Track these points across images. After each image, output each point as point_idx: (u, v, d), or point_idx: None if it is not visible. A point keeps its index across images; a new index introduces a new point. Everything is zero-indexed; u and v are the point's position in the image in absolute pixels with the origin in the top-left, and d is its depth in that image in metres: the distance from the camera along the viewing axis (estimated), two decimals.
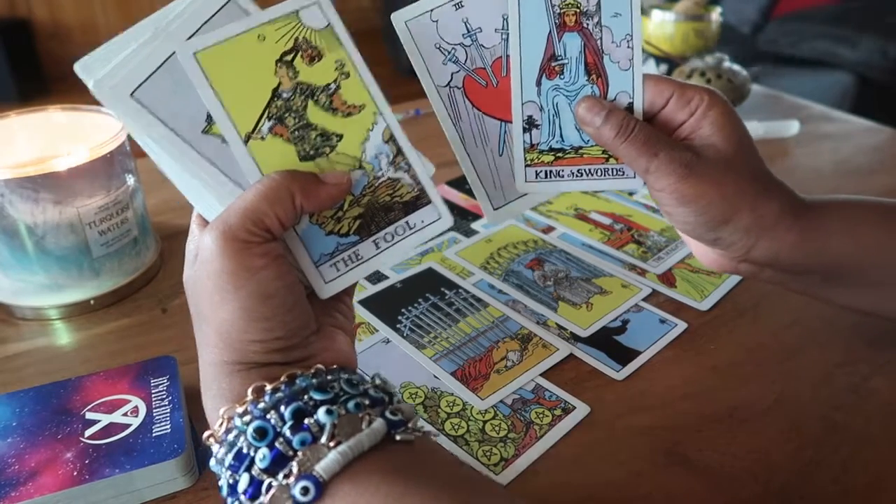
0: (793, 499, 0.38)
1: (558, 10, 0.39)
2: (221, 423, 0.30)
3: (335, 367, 0.32)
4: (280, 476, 0.27)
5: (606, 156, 0.40)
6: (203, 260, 0.30)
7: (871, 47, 1.90)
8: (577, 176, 0.41)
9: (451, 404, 0.45)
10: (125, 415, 0.41)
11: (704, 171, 0.38)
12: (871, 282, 0.42)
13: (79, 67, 0.32)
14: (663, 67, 1.04)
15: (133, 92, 0.31)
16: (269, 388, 0.29)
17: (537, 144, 0.40)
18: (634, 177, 0.41)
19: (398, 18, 0.37)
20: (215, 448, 0.30)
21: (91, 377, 0.44)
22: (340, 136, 0.34)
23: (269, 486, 0.27)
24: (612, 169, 0.41)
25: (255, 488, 0.28)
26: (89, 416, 0.41)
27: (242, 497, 0.28)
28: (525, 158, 0.40)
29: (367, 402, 0.30)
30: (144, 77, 0.31)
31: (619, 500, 0.39)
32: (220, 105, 0.32)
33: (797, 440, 0.42)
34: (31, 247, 0.52)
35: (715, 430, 0.43)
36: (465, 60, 0.39)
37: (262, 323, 0.30)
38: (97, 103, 0.33)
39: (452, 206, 0.70)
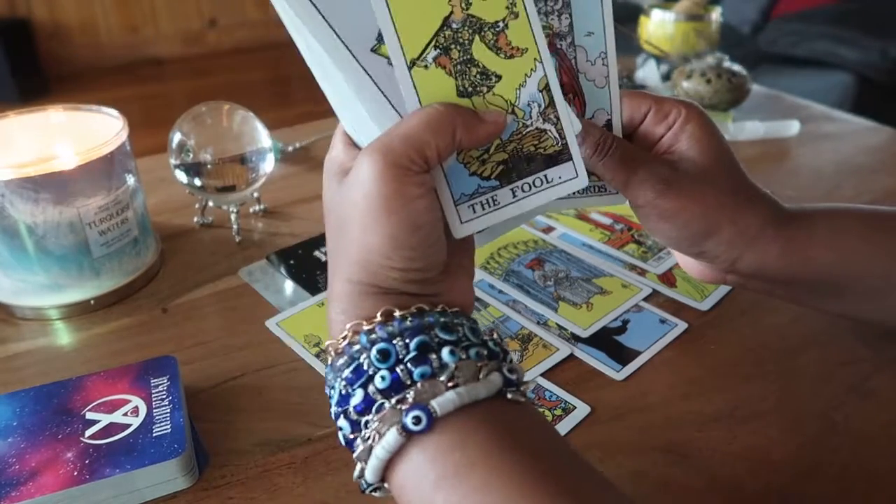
0: (793, 499, 0.38)
1: None
2: (346, 336, 0.30)
3: (458, 310, 0.32)
4: (394, 400, 0.28)
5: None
6: (357, 181, 0.30)
7: (871, 47, 1.91)
8: (571, 194, 0.39)
9: None
10: (125, 415, 0.41)
11: (683, 186, 0.38)
12: (857, 291, 0.42)
13: None
14: (663, 67, 1.04)
15: None
16: (398, 314, 0.30)
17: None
18: (617, 193, 0.41)
19: None
20: (332, 357, 0.31)
21: (91, 377, 0.44)
22: (499, 78, 0.33)
23: (381, 407, 0.28)
24: (595, 186, 0.41)
25: (366, 405, 0.28)
26: (90, 416, 0.41)
27: (352, 409, 0.28)
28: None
29: (485, 352, 0.30)
30: None
31: None
32: (392, 26, 0.31)
33: (797, 440, 0.42)
34: (31, 247, 0.52)
35: (715, 430, 0.43)
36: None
37: (407, 251, 0.30)
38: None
39: None
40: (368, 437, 0.28)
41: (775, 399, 0.45)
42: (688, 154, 0.39)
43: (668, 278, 0.57)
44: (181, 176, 0.63)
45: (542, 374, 0.47)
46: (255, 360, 0.49)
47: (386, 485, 0.29)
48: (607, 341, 0.50)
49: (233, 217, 0.64)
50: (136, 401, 0.42)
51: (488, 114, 0.32)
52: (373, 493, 0.30)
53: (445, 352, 0.29)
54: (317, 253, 0.62)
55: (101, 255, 0.55)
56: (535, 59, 0.34)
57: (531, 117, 0.35)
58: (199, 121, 0.62)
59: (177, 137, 0.62)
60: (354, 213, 0.30)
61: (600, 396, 0.45)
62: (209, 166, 0.62)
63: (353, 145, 0.34)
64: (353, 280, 0.31)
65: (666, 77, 1.04)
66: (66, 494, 0.37)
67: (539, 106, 0.35)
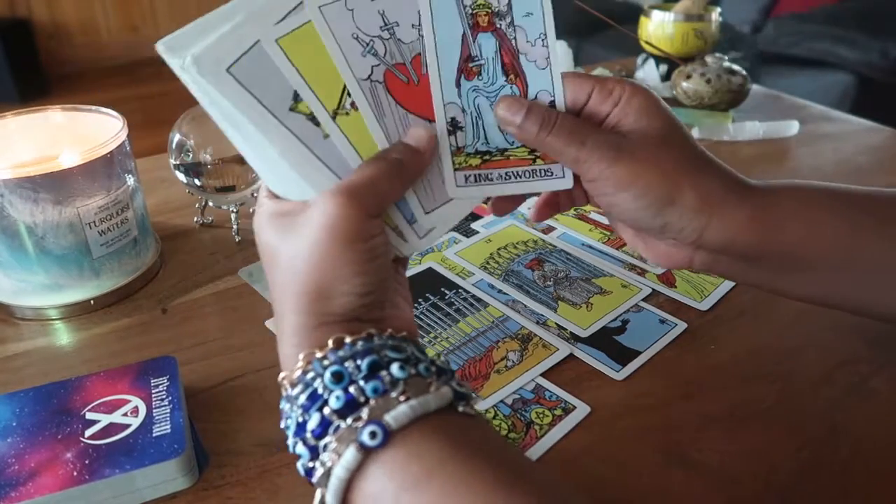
0: (793, 499, 0.38)
1: (470, 11, 0.38)
2: (299, 366, 0.31)
3: (405, 334, 0.33)
4: (349, 419, 0.28)
5: (533, 157, 0.40)
6: (319, 218, 0.32)
7: (871, 47, 1.91)
8: (505, 179, 0.39)
9: None
10: (125, 415, 0.41)
11: (636, 151, 0.37)
12: (825, 267, 0.40)
13: (162, 47, 0.32)
14: (663, 68, 1.04)
15: (229, 67, 0.32)
16: (349, 339, 0.31)
17: (463, 147, 0.39)
18: (563, 176, 0.40)
19: (312, 4, 0.35)
20: (287, 389, 0.32)
21: (91, 377, 0.44)
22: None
23: (337, 428, 0.29)
24: (540, 170, 0.40)
25: (323, 428, 0.29)
26: (89, 416, 0.41)
27: (309, 435, 0.29)
28: (453, 162, 0.39)
29: (434, 368, 0.31)
30: (239, 54, 0.32)
31: (619, 499, 0.39)
32: (306, 85, 0.34)
33: (797, 440, 0.42)
34: (31, 247, 0.52)
35: (715, 430, 0.43)
36: (385, 54, 0.37)
37: (364, 278, 0.33)
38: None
39: None
40: (327, 460, 0.28)
41: (775, 399, 0.45)
42: (637, 126, 0.38)
43: (667, 278, 0.57)
44: (181, 176, 0.63)
45: (542, 374, 0.47)
46: (255, 361, 0.49)
47: None
48: (607, 341, 0.50)
49: (232, 217, 0.64)
50: (136, 401, 0.42)
51: (416, 141, 0.36)
52: None
53: (395, 367, 0.30)
54: None
55: (101, 256, 0.55)
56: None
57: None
58: (198, 121, 0.62)
59: (176, 137, 0.62)
60: (313, 248, 0.32)
61: (600, 396, 0.45)
62: (209, 166, 0.62)
63: (279, 199, 0.36)
64: (306, 312, 0.32)
65: (666, 77, 1.04)
66: (66, 495, 0.37)
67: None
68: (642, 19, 1.06)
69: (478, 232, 0.65)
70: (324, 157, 0.34)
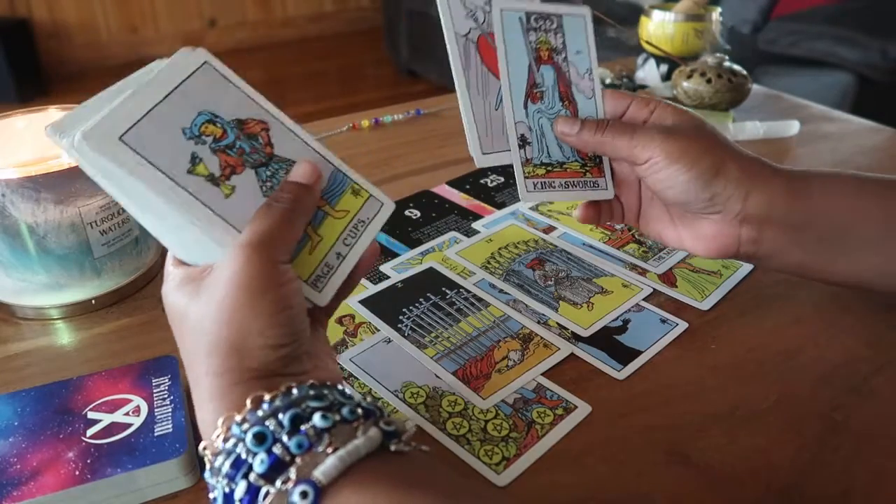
0: (793, 499, 0.39)
1: (534, 46, 0.46)
2: (219, 434, 0.30)
3: (328, 382, 0.33)
4: (278, 482, 0.27)
5: (584, 171, 0.47)
6: (229, 273, 0.32)
7: (871, 47, 1.91)
8: (564, 187, 0.47)
9: (452, 404, 0.45)
10: (127, 414, 0.41)
11: (682, 131, 0.43)
12: (859, 241, 0.43)
13: (51, 130, 0.33)
14: (664, 68, 1.04)
15: (122, 136, 0.32)
16: (267, 397, 0.30)
17: (531, 159, 0.46)
18: (607, 188, 0.48)
19: None
20: (210, 459, 0.30)
21: (92, 377, 0.44)
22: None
23: (266, 494, 0.27)
24: (589, 182, 0.48)
25: (251, 496, 0.28)
26: (91, 415, 0.41)
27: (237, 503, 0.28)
28: (524, 171, 0.45)
29: (360, 411, 0.30)
30: (131, 123, 0.33)
31: (619, 499, 0.39)
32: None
33: (798, 440, 0.42)
34: (32, 246, 0.52)
35: (716, 430, 0.43)
36: (483, 22, 0.45)
37: (279, 329, 0.32)
38: None
39: (453, 207, 0.70)
40: None
41: (775, 399, 0.45)
42: (674, 121, 0.45)
43: (668, 278, 0.57)
44: None
45: (543, 374, 0.47)
46: None
47: None
48: (608, 341, 0.50)
49: None
50: (138, 400, 0.42)
51: (303, 177, 0.36)
52: None
53: (317, 417, 0.29)
54: None
55: (103, 255, 0.55)
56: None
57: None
58: None
59: None
60: (222, 303, 0.31)
61: (601, 396, 0.45)
62: None
63: (187, 265, 0.36)
64: (220, 372, 0.31)
65: (666, 77, 1.04)
66: (68, 494, 0.37)
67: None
68: (642, 19, 1.06)
69: (479, 231, 0.65)
70: (227, 217, 0.34)
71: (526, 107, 0.46)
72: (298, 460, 0.28)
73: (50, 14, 3.23)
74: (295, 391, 0.31)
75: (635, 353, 0.49)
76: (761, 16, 2.26)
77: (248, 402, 0.30)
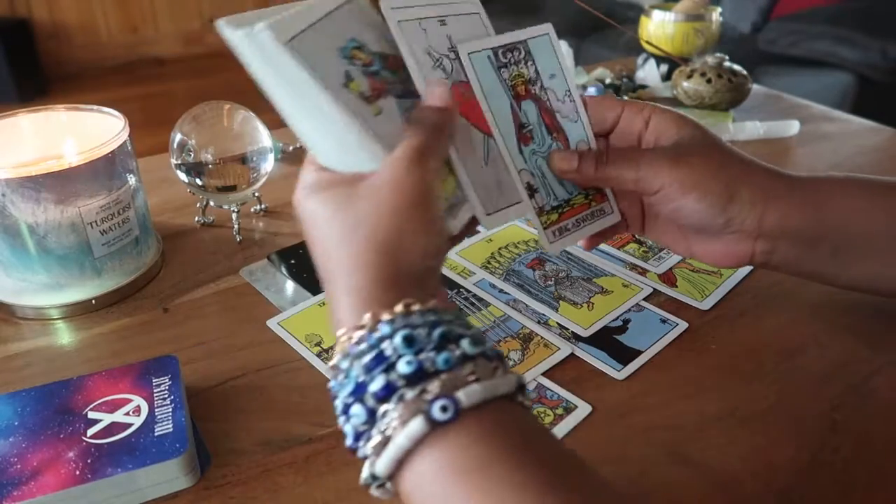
0: (793, 499, 0.39)
1: (510, 83, 0.42)
2: (365, 324, 0.30)
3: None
4: (417, 389, 0.28)
5: (588, 201, 0.45)
6: (387, 185, 0.33)
7: (871, 47, 1.91)
8: (577, 225, 0.44)
9: None
10: (127, 414, 0.41)
11: (690, 152, 0.41)
12: (871, 249, 0.43)
13: (223, 22, 0.34)
14: (664, 68, 1.04)
15: (289, 41, 0.33)
16: (418, 307, 0.30)
17: (544, 206, 0.43)
18: (613, 212, 0.46)
19: (392, 17, 0.38)
20: (346, 346, 0.30)
21: (93, 377, 0.44)
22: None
23: (402, 396, 0.27)
24: (596, 211, 0.45)
25: (387, 392, 0.28)
26: (91, 415, 0.41)
27: (370, 395, 0.28)
28: (541, 222, 0.43)
29: (494, 354, 0.30)
30: (299, 30, 0.34)
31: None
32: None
33: (797, 440, 0.42)
34: (32, 246, 0.52)
35: (716, 430, 0.43)
36: (452, 72, 0.40)
37: (434, 238, 0.33)
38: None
39: None
40: (387, 428, 0.27)
41: (775, 399, 0.45)
42: (678, 137, 0.42)
43: (668, 278, 0.58)
44: (182, 176, 0.63)
45: (543, 374, 0.47)
46: (256, 360, 0.49)
47: (388, 484, 0.29)
48: (608, 341, 0.50)
49: (234, 217, 0.64)
50: (138, 400, 0.42)
51: (439, 100, 0.37)
52: (376, 492, 0.30)
53: (466, 343, 0.29)
54: None
55: (103, 255, 0.55)
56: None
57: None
58: (199, 121, 0.62)
59: (178, 137, 0.62)
60: (381, 208, 0.32)
61: (601, 396, 0.45)
62: (210, 166, 0.62)
63: (329, 171, 0.37)
64: (373, 267, 0.32)
65: (666, 77, 1.04)
66: (68, 494, 0.37)
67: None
68: (642, 19, 1.06)
69: (479, 231, 0.65)
70: (378, 133, 0.35)
71: (521, 152, 0.42)
72: (443, 375, 0.28)
73: (50, 14, 3.23)
74: (442, 313, 0.31)
75: (635, 353, 0.49)
76: (761, 16, 2.26)
77: (400, 306, 0.30)
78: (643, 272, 0.58)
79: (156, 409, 0.41)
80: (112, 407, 0.42)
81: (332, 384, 0.30)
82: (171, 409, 0.41)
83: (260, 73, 0.35)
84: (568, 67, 0.45)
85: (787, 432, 0.43)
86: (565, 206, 0.44)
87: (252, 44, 0.33)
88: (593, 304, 0.54)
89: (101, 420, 0.41)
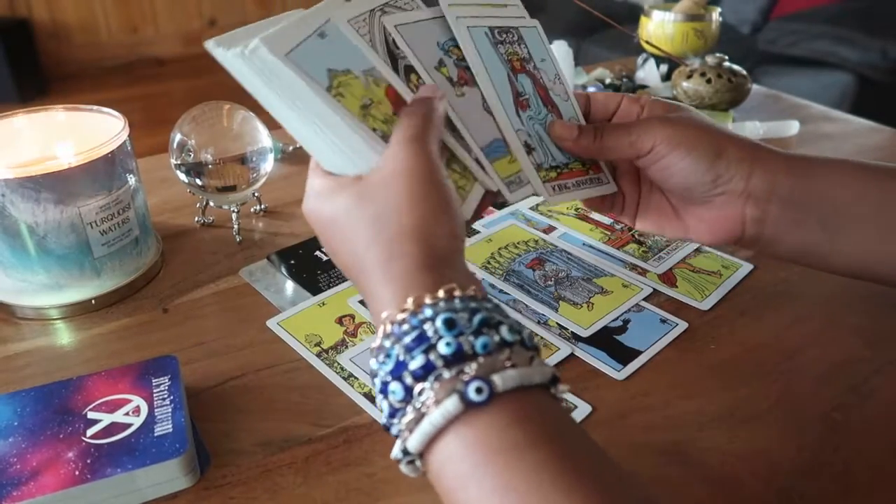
0: (793, 498, 0.39)
1: (506, 58, 0.46)
2: (409, 307, 0.31)
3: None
4: (454, 370, 0.28)
5: (585, 168, 0.47)
6: (400, 172, 0.34)
7: (871, 47, 1.91)
8: (577, 186, 0.46)
9: None
10: (127, 414, 0.41)
11: (679, 117, 0.44)
12: (861, 220, 0.43)
13: (213, 43, 0.34)
14: (664, 68, 1.04)
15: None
16: (459, 293, 0.31)
17: (542, 164, 0.45)
18: (609, 182, 0.48)
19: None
20: (388, 327, 0.31)
21: (92, 377, 0.44)
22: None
23: (439, 376, 0.28)
24: (592, 178, 0.47)
25: (425, 371, 0.29)
26: (91, 415, 0.41)
27: (408, 373, 0.29)
28: (540, 178, 0.44)
29: (530, 344, 0.31)
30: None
31: None
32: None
33: (798, 440, 0.42)
34: (32, 246, 0.52)
35: (715, 430, 0.43)
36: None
37: (455, 217, 0.34)
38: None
39: None
40: (421, 406, 0.28)
41: (775, 399, 0.45)
42: (669, 111, 0.46)
43: (668, 278, 0.57)
44: (182, 176, 0.63)
45: None
46: (256, 360, 0.49)
47: (418, 462, 0.29)
48: (608, 341, 0.50)
49: (233, 217, 0.64)
50: (138, 400, 0.42)
51: (428, 91, 0.39)
52: (405, 468, 0.30)
53: (504, 329, 0.30)
54: (317, 253, 0.62)
55: (102, 255, 0.55)
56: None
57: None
58: (199, 121, 0.62)
59: (177, 137, 0.62)
60: (401, 194, 0.33)
61: (601, 396, 0.45)
62: (210, 166, 0.62)
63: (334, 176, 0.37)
64: (407, 255, 0.32)
65: (666, 77, 1.04)
66: (68, 494, 0.37)
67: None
68: (642, 19, 1.06)
69: (478, 231, 0.65)
70: (459, 112, 0.39)
71: (518, 115, 0.45)
72: (480, 358, 0.28)
73: (50, 14, 3.23)
74: (483, 302, 0.31)
75: (635, 353, 0.49)
76: (761, 16, 2.26)
77: (443, 291, 0.31)
78: (643, 272, 0.58)
79: (155, 410, 0.41)
80: (112, 407, 0.42)
81: (372, 363, 0.31)
82: (170, 410, 0.41)
83: (257, 88, 0.35)
84: (555, 57, 0.49)
85: (787, 432, 0.43)
86: (564, 169, 0.46)
87: (248, 60, 0.34)
88: (593, 304, 0.54)
89: (100, 420, 0.41)
